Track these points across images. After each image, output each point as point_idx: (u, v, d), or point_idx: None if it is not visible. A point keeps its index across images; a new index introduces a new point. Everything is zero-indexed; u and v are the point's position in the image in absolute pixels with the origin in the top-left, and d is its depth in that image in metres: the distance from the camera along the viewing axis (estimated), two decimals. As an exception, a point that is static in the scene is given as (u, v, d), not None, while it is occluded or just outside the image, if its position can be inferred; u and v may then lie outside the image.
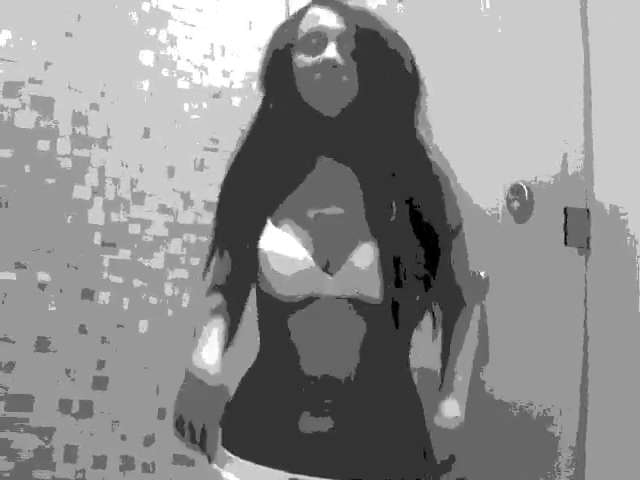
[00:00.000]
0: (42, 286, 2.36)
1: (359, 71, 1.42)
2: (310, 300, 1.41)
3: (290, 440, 1.42)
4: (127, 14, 2.44)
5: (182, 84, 2.54)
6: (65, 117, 2.38)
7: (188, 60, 2.53)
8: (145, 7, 2.47)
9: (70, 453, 2.41)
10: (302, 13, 1.47)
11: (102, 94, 2.42)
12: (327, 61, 1.39)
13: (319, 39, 1.41)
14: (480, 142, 2.39)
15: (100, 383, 2.44)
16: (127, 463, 2.49)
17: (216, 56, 2.59)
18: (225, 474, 1.44)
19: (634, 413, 1.84)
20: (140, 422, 2.48)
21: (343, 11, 1.43)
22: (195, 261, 2.54)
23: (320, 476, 1.39)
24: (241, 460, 1.43)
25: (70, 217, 2.40)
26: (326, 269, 1.41)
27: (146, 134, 2.48)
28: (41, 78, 2.34)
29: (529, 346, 2.17)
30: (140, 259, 2.48)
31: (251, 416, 1.47)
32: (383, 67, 1.44)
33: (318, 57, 1.40)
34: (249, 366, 1.55)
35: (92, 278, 2.42)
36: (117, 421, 2.46)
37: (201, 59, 2.57)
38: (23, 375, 2.35)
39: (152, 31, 2.47)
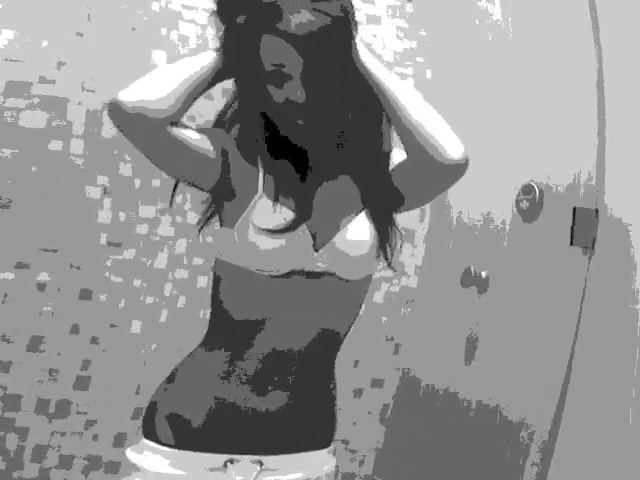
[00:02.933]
0: (41, 286, 2.35)
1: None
2: (289, 275, 1.42)
3: (227, 421, 1.45)
4: (137, 14, 2.41)
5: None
6: (78, 117, 2.35)
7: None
8: (155, 7, 2.44)
9: (39, 453, 2.42)
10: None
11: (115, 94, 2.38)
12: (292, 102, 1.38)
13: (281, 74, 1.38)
14: (492, 143, 2.41)
15: (82, 383, 2.43)
16: (93, 463, 2.48)
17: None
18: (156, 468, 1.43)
19: (610, 415, 1.89)
20: (114, 422, 2.48)
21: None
22: (198, 261, 2.51)
23: (257, 454, 1.46)
24: (177, 450, 1.43)
25: (79, 217, 2.37)
26: (313, 244, 1.42)
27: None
28: (53, 78, 2.31)
29: (519, 345, 2.23)
30: (143, 259, 2.46)
31: (186, 401, 1.47)
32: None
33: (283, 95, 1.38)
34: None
35: (93, 278, 2.41)
36: (92, 421, 2.46)
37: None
38: (17, 375, 2.35)
39: (163, 31, 2.44)
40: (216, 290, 1.51)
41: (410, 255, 2.74)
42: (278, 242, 1.39)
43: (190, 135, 1.40)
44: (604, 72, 1.99)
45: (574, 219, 2.01)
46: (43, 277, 2.35)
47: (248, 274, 1.42)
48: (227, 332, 1.49)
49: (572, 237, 2.01)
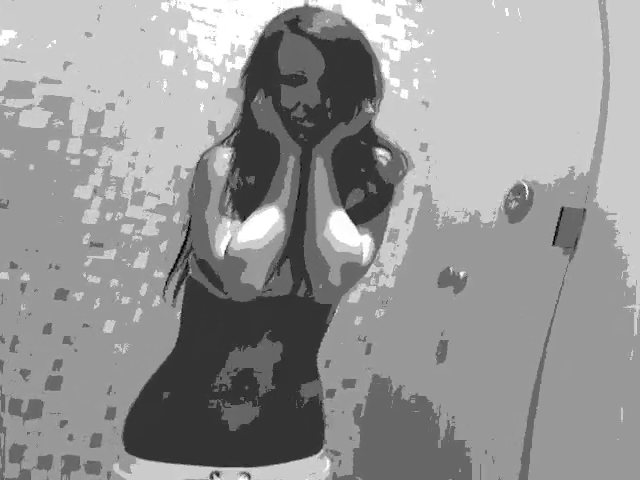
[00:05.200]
0: (23, 286, 2.34)
1: (331, 99, 1.41)
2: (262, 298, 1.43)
3: (211, 434, 1.47)
4: (146, 14, 2.38)
5: (201, 84, 2.46)
6: (80, 117, 2.33)
7: (208, 60, 2.46)
8: (164, 7, 2.41)
9: (17, 453, 2.41)
10: (282, 32, 1.43)
11: (120, 94, 2.36)
12: (305, 106, 1.40)
13: (298, 78, 1.40)
14: (486, 142, 2.42)
15: (54, 383, 2.42)
16: (72, 463, 2.48)
17: (236, 57, 2.49)
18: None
19: (581, 411, 1.92)
20: (88, 422, 2.48)
21: (320, 42, 1.39)
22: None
23: (243, 466, 1.48)
24: (162, 463, 1.45)
25: (65, 217, 2.36)
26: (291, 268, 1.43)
27: (159, 134, 2.42)
28: (59, 78, 2.28)
29: (492, 345, 2.25)
30: (123, 259, 2.44)
31: (169, 415, 1.48)
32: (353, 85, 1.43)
33: (297, 100, 1.40)
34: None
35: (70, 278, 2.39)
36: (65, 421, 2.46)
37: (221, 59, 2.48)
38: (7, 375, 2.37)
39: (172, 31, 2.42)
40: (187, 304, 1.52)
41: (390, 255, 2.74)
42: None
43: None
44: (610, 75, 1.98)
45: (560, 219, 2.00)
46: (25, 277, 2.34)
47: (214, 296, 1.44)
48: (197, 346, 1.50)
49: (555, 237, 2.01)
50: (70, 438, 2.47)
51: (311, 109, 1.39)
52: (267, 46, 1.43)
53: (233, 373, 1.47)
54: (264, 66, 1.43)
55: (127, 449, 1.50)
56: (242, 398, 1.47)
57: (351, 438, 2.83)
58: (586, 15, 2.06)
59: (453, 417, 2.36)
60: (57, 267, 2.37)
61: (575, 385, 1.94)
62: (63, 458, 2.47)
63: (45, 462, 2.45)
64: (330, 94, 1.39)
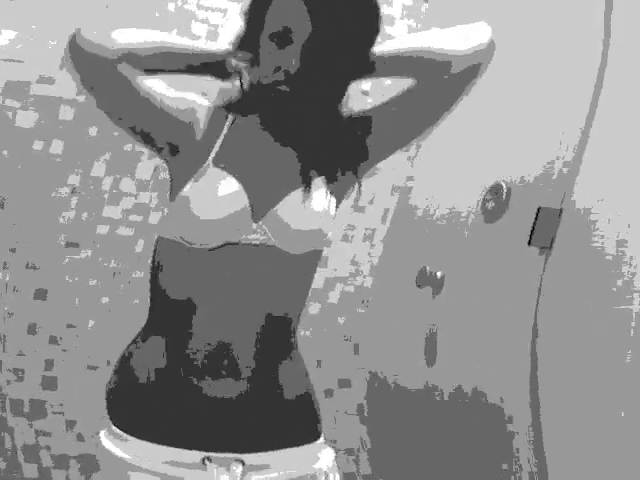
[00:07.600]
0: (5, 286, 2.36)
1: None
2: (226, 247, 1.40)
3: (198, 416, 1.40)
4: (152, 14, 2.37)
5: (195, 84, 2.45)
6: (70, 117, 2.33)
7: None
8: (170, 7, 2.40)
9: (31, 453, 2.43)
10: None
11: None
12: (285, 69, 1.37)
13: (284, 35, 1.37)
14: (464, 142, 2.41)
15: (50, 383, 2.44)
16: (90, 464, 2.44)
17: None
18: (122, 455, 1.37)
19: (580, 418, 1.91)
20: (94, 422, 2.47)
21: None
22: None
23: (235, 452, 1.40)
24: (143, 442, 1.37)
25: (42, 217, 2.36)
26: (252, 215, 1.40)
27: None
28: (56, 78, 2.28)
29: (475, 344, 2.24)
30: (100, 259, 2.44)
31: (147, 391, 1.43)
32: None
33: (278, 60, 1.38)
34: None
35: (48, 278, 2.40)
36: (72, 421, 2.47)
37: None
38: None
39: (175, 31, 2.38)
40: (154, 272, 1.48)
41: (367, 255, 2.71)
42: (217, 213, 1.38)
43: (160, 87, 1.48)
44: (605, 77, 1.96)
45: (536, 219, 1.99)
46: (6, 277, 2.36)
47: (182, 247, 1.40)
48: (165, 315, 1.45)
49: (531, 237, 2.00)
50: (80, 438, 2.47)
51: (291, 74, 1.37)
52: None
53: (200, 344, 1.41)
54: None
55: (112, 422, 1.42)
56: (215, 373, 1.41)
57: (360, 438, 2.79)
58: (585, 16, 2.06)
59: (454, 409, 2.35)
60: (34, 267, 2.38)
61: (565, 384, 1.95)
62: (78, 459, 2.49)
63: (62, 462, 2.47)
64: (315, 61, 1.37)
